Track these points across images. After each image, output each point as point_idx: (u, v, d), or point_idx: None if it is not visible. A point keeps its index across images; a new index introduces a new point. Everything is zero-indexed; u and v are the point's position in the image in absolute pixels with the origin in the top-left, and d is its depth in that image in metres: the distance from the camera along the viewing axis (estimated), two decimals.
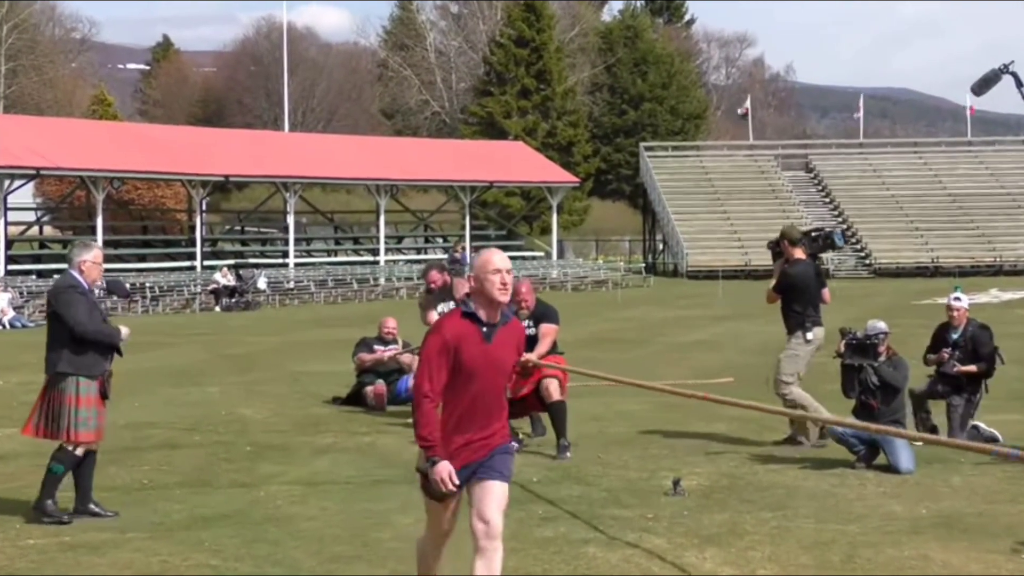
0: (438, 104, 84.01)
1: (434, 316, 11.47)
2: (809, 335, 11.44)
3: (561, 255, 58.04)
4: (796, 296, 11.56)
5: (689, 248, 56.95)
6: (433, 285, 12.36)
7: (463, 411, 5.75)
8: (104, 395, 8.60)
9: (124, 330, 8.67)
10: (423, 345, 5.88)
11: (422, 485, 5.82)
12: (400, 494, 9.26)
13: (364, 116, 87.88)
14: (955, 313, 11.59)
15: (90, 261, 8.67)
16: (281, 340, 25.23)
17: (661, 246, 62.58)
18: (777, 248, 11.91)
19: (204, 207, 46.86)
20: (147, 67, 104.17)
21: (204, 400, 15.33)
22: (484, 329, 5.75)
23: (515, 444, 10.48)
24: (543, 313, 11.25)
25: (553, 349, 11.18)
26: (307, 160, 48.60)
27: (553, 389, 11.01)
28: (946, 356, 11.47)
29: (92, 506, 8.72)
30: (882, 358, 10.60)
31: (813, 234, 12.16)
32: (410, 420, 12.29)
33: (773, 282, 11.80)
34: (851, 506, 8.95)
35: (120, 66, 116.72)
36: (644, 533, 8.12)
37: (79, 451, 8.54)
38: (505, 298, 5.76)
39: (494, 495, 5.72)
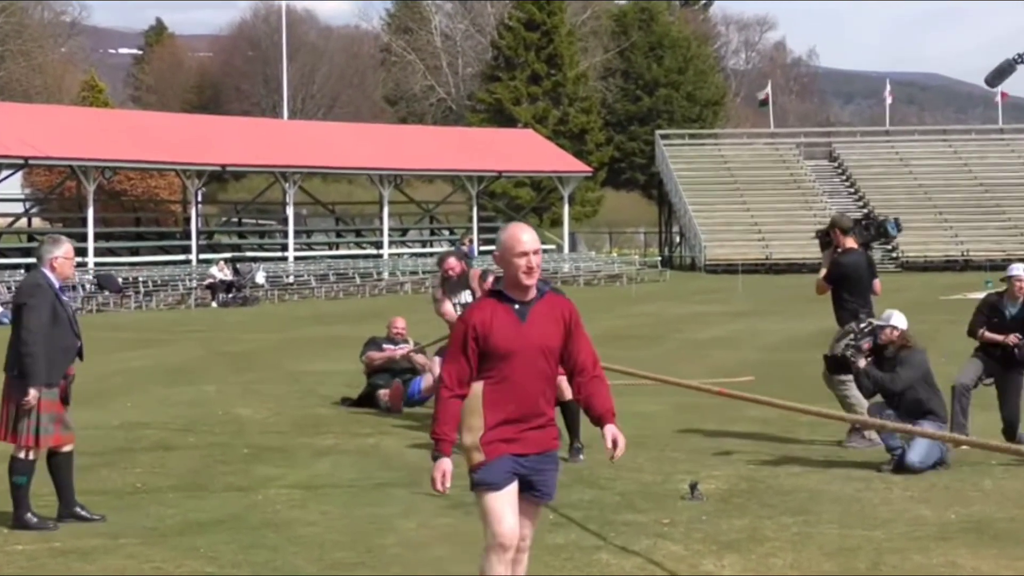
0: (444, 90, 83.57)
1: (449, 307, 11.30)
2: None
3: (573, 248, 57.74)
4: (849, 286, 11.42)
5: (707, 241, 56.39)
6: (451, 272, 11.99)
7: (505, 397, 5.60)
8: (65, 400, 8.46)
9: (33, 392, 8.19)
10: (451, 334, 5.77)
11: (472, 486, 5.69)
12: (404, 498, 9.18)
13: (367, 103, 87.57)
14: (1020, 284, 11.16)
15: (62, 257, 8.48)
16: (280, 337, 24.99)
17: (678, 239, 62.30)
18: (826, 237, 11.78)
19: (200, 198, 46.50)
20: (140, 52, 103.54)
21: (200, 400, 15.12)
22: (516, 307, 5.63)
23: (580, 456, 10.33)
24: None
25: None
26: (307, 149, 48.24)
27: (566, 386, 10.67)
28: (1016, 339, 11.04)
29: (77, 509, 8.56)
30: (890, 351, 10.36)
31: (864, 222, 11.98)
32: (414, 422, 12.24)
33: (823, 272, 11.68)
34: (877, 511, 8.78)
35: (112, 51, 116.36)
36: (659, 539, 7.99)
37: (31, 455, 8.38)
38: (531, 282, 5.64)
39: (532, 515, 5.85)
